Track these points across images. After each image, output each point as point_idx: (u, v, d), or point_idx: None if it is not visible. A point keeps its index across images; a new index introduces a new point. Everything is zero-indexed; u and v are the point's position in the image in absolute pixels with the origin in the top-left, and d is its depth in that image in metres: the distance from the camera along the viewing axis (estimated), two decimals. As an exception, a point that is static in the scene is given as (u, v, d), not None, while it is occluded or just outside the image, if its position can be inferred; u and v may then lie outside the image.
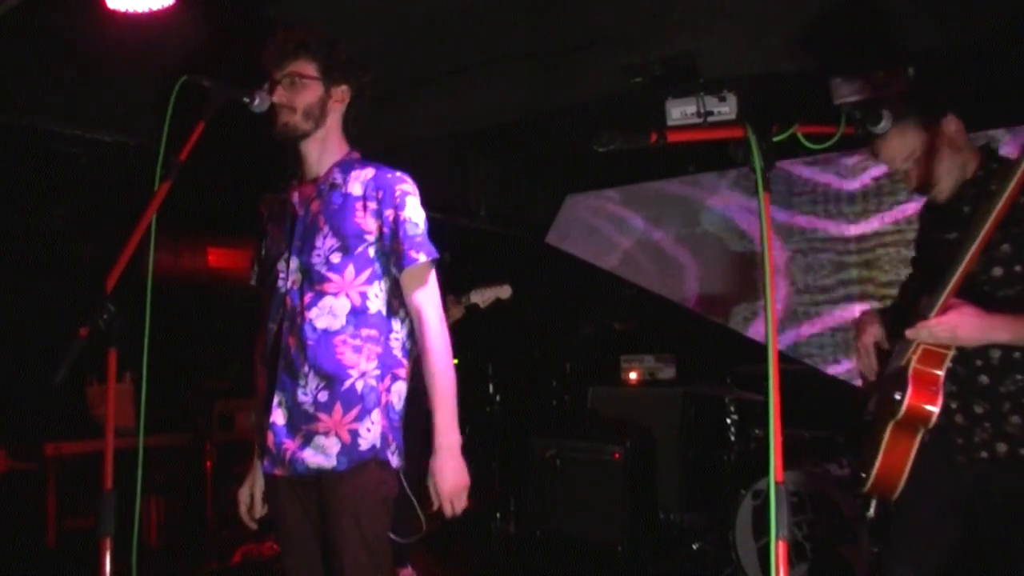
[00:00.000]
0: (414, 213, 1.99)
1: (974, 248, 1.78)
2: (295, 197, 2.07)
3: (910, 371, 1.90)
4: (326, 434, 1.92)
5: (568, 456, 4.85)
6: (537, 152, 5.63)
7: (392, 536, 1.99)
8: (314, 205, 2.03)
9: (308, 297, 1.96)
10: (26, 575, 3.97)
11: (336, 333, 1.94)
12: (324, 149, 2.07)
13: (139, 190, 1.89)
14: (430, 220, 2.06)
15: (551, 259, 6.49)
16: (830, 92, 3.53)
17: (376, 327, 1.99)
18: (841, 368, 5.11)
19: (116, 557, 1.58)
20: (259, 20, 3.12)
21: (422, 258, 1.97)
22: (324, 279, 1.96)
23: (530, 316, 6.04)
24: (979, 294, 1.90)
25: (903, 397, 1.88)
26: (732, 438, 4.32)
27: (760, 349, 4.93)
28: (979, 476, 1.96)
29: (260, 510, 2.11)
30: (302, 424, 1.93)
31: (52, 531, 4.09)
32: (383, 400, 1.98)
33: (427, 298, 2.00)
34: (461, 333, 4.56)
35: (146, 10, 2.82)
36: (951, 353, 1.90)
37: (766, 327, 1.37)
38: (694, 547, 4.47)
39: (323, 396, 1.92)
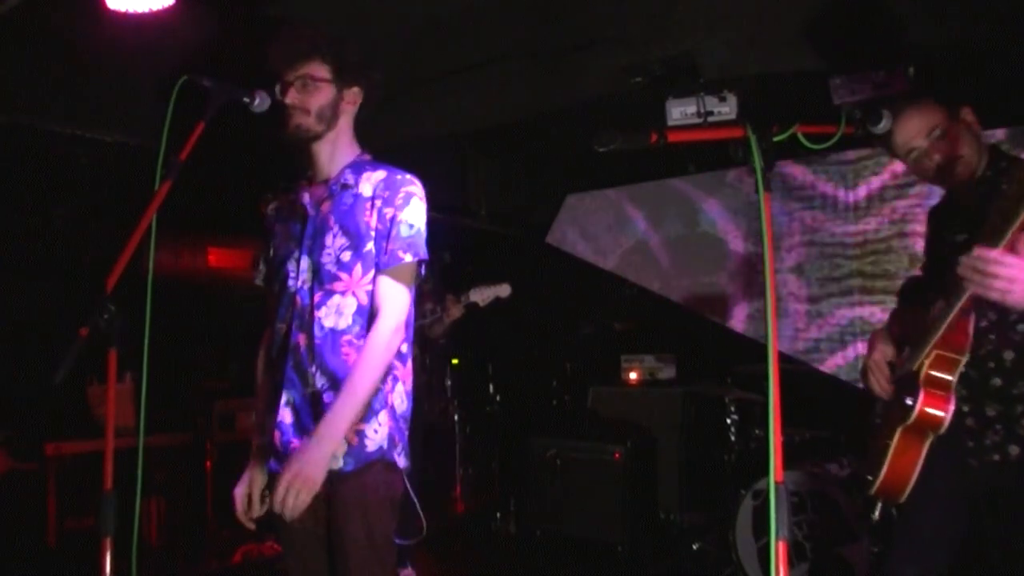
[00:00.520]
0: (412, 215, 1.99)
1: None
2: (306, 198, 2.07)
3: (922, 376, 1.89)
4: None
5: (568, 456, 4.85)
6: (537, 152, 5.63)
7: (395, 538, 1.99)
8: (325, 205, 2.03)
9: (318, 296, 1.97)
10: (26, 575, 3.96)
11: (343, 332, 1.95)
12: (335, 150, 2.08)
13: (139, 190, 1.89)
14: (430, 220, 2.06)
15: (551, 259, 6.49)
16: (830, 92, 3.54)
17: None
18: (835, 362, 5.11)
19: (116, 557, 1.58)
20: (260, 20, 3.12)
21: (407, 258, 1.96)
22: (334, 278, 1.97)
23: (530, 316, 6.05)
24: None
25: (914, 403, 1.87)
26: (732, 438, 4.32)
27: (760, 349, 4.93)
28: (989, 478, 1.95)
29: (258, 510, 2.10)
30: (309, 424, 1.94)
31: (52, 531, 4.09)
32: (388, 401, 1.99)
33: (393, 297, 1.95)
34: (461, 333, 4.58)
35: (146, 10, 2.82)
36: (965, 359, 1.87)
37: (766, 327, 1.37)
38: (694, 547, 4.47)
39: (329, 397, 1.93)
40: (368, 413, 1.94)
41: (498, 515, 5.30)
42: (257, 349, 2.20)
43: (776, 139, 1.55)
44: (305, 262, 2.01)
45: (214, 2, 3.05)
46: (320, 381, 1.94)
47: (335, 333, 1.95)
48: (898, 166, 4.34)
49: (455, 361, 6.01)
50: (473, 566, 4.77)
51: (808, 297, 5.30)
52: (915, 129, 2.00)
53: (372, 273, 1.98)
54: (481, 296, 4.19)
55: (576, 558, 4.67)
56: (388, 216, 1.98)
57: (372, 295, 1.97)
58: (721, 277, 5.73)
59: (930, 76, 3.28)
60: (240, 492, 2.12)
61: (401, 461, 2.00)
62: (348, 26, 3.18)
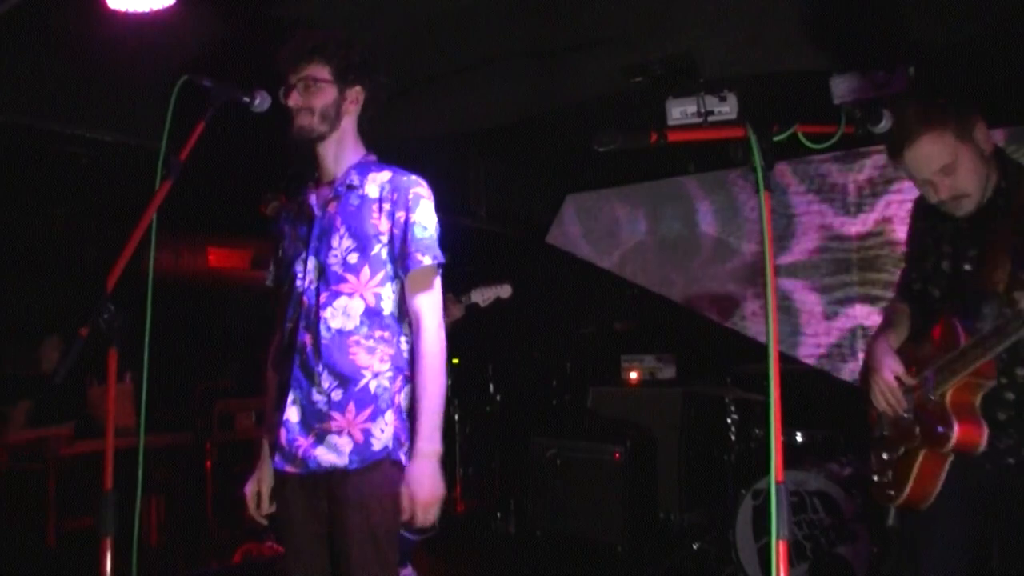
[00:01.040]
0: (424, 217, 2.01)
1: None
2: (312, 199, 2.09)
3: (948, 402, 1.91)
4: (339, 433, 1.95)
5: (568, 456, 4.85)
6: (537, 152, 5.63)
7: (404, 533, 2.00)
8: (331, 206, 2.05)
9: (324, 297, 1.98)
10: (26, 575, 3.97)
11: (350, 333, 1.97)
12: (340, 151, 2.09)
13: (139, 190, 1.89)
14: None
15: (551, 259, 6.49)
16: (830, 92, 3.53)
17: (389, 328, 2.02)
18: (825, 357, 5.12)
19: (116, 557, 1.58)
20: (259, 20, 3.12)
21: (427, 261, 1.98)
22: (340, 279, 1.99)
23: (530, 316, 6.04)
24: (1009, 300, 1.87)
25: (950, 432, 1.88)
26: (732, 438, 4.31)
27: (760, 349, 4.93)
28: (1005, 480, 1.97)
29: (268, 507, 2.11)
30: (315, 423, 1.96)
31: (52, 531, 4.09)
32: (395, 401, 2.01)
33: (428, 302, 2.00)
34: (461, 333, 4.57)
35: (146, 10, 2.82)
36: (992, 384, 1.88)
37: (766, 327, 1.37)
38: (694, 547, 4.47)
39: (337, 395, 1.95)
40: (375, 412, 1.96)
41: (498, 515, 5.30)
42: (266, 349, 2.21)
43: (776, 139, 1.54)
44: (312, 263, 2.02)
45: (214, 2, 3.05)
46: (327, 381, 1.96)
47: (342, 334, 1.96)
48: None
49: (455, 361, 6.01)
50: (473, 566, 4.77)
51: (809, 297, 5.30)
52: (924, 161, 1.93)
53: (381, 275, 2.00)
54: (482, 296, 4.18)
55: (576, 558, 4.67)
56: (401, 220, 1.99)
57: (379, 297, 2.00)
58: (721, 277, 5.73)
59: (930, 76, 3.28)
60: (250, 490, 2.13)
61: (406, 461, 2.00)
62: (348, 27, 3.18)
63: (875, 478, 2.20)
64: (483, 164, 5.63)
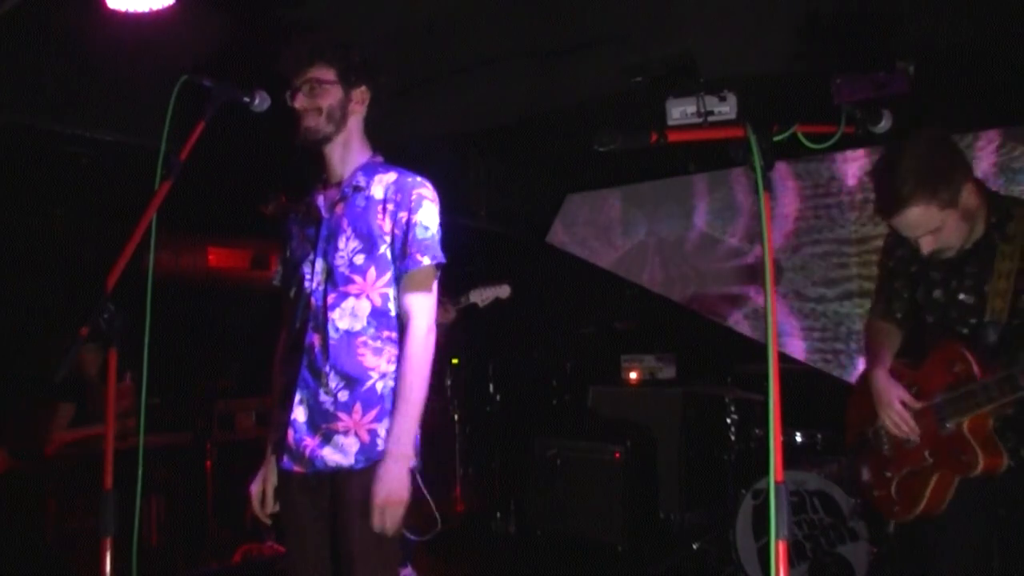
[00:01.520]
0: (427, 217, 2.01)
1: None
2: (320, 200, 2.10)
3: (967, 433, 1.97)
4: (345, 433, 1.95)
5: (568, 456, 4.85)
6: (537, 152, 5.63)
7: (406, 533, 2.00)
8: (338, 208, 2.06)
9: (331, 298, 1.99)
10: (26, 575, 3.96)
11: (357, 334, 1.98)
12: (347, 152, 2.10)
13: (139, 190, 1.89)
14: None
15: (551, 259, 6.49)
16: (830, 92, 3.53)
17: (396, 329, 2.03)
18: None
19: (116, 557, 1.58)
20: (260, 20, 3.12)
21: (426, 261, 1.99)
22: (347, 280, 2.00)
23: (530, 316, 6.04)
24: (1001, 337, 1.97)
25: (976, 462, 1.95)
26: (732, 438, 4.31)
27: (760, 349, 4.93)
28: (1007, 481, 2.01)
29: (272, 506, 2.12)
30: (322, 423, 1.97)
31: (52, 531, 4.09)
32: None
33: (420, 303, 2.00)
34: (461, 333, 4.58)
35: (146, 10, 2.82)
36: (1005, 412, 1.95)
37: (766, 327, 1.37)
38: (694, 547, 4.46)
39: (343, 396, 1.96)
40: (381, 413, 1.97)
41: (498, 515, 5.30)
42: (273, 348, 2.22)
43: (776, 139, 1.55)
44: (320, 264, 2.03)
45: (214, 2, 3.05)
46: (335, 382, 1.96)
47: (350, 335, 1.97)
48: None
49: (455, 361, 6.01)
50: (473, 566, 4.77)
51: (809, 296, 5.30)
52: (912, 228, 2.00)
53: (387, 276, 2.01)
54: (481, 297, 4.18)
55: (576, 558, 4.67)
56: (403, 220, 2.00)
57: (386, 298, 2.00)
58: (721, 277, 5.73)
59: (930, 76, 3.28)
60: (255, 489, 2.14)
61: (412, 462, 2.00)
62: (348, 27, 3.19)
63: (875, 493, 2.27)
64: (483, 164, 5.63)
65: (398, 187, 2.03)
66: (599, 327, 6.14)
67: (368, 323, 1.98)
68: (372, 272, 2.00)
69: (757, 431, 4.28)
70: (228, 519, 4.61)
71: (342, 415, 1.96)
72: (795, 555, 3.54)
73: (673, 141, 1.63)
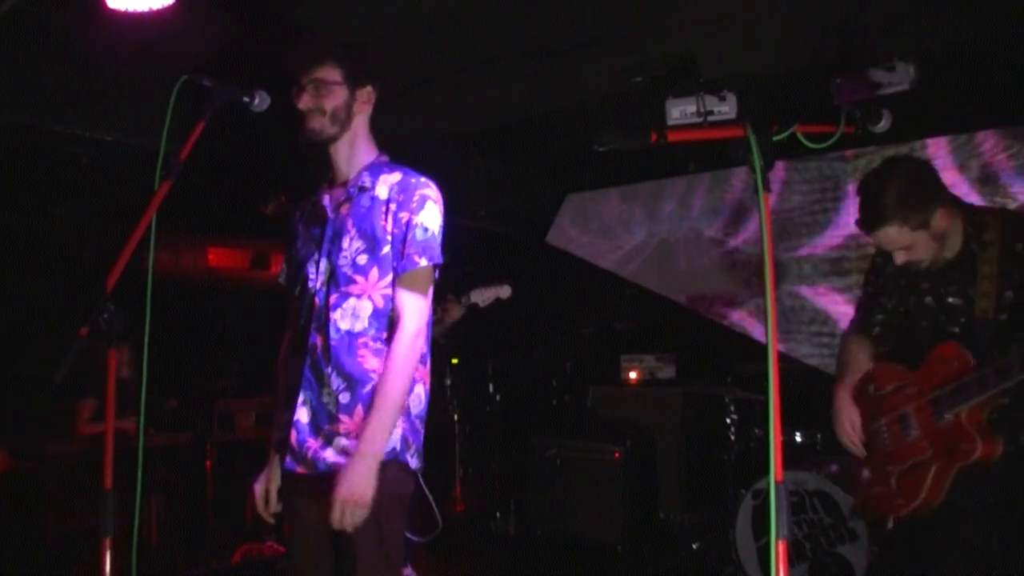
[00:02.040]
0: (428, 219, 2.00)
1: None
2: (325, 200, 2.09)
3: (964, 422, 2.07)
4: (347, 435, 1.95)
5: (568, 456, 4.85)
6: (537, 152, 5.63)
7: (408, 535, 2.00)
8: (343, 208, 2.05)
9: (334, 298, 1.99)
10: (26, 575, 3.96)
11: (359, 335, 1.97)
12: (352, 152, 2.09)
13: (139, 190, 1.89)
14: None
15: (551, 259, 6.48)
16: (830, 92, 3.53)
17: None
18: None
19: (116, 557, 1.58)
20: (260, 20, 3.12)
21: (423, 262, 1.98)
22: (350, 281, 1.99)
23: (530, 316, 6.04)
24: (991, 333, 2.10)
25: (975, 447, 2.04)
26: (732, 438, 4.31)
27: (760, 349, 4.92)
28: (1006, 478, 2.06)
29: (275, 505, 2.12)
30: (324, 424, 1.97)
31: (52, 531, 4.09)
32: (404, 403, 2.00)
33: (413, 305, 1.98)
34: (461, 333, 4.57)
35: (146, 10, 2.82)
36: (999, 401, 2.05)
37: (766, 327, 1.37)
38: (694, 547, 4.46)
39: (345, 398, 1.96)
40: None
41: (498, 515, 5.30)
42: (277, 348, 2.22)
43: (776, 139, 1.55)
44: (323, 264, 2.03)
45: (214, 2, 3.05)
46: (336, 382, 1.96)
47: (351, 335, 1.97)
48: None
49: (455, 361, 6.01)
50: (473, 566, 4.77)
51: (808, 296, 5.30)
52: (887, 243, 2.19)
53: (389, 277, 2.00)
54: (481, 297, 4.17)
55: (576, 558, 4.67)
56: (403, 220, 1.99)
57: (388, 299, 1.99)
58: (721, 277, 5.73)
59: (930, 76, 3.28)
60: (259, 489, 2.13)
61: (413, 462, 2.02)
62: (348, 27, 3.19)
63: (876, 489, 2.34)
64: (483, 164, 5.63)
65: (401, 187, 2.02)
66: (599, 327, 6.14)
67: (369, 324, 1.98)
68: (375, 273, 1.99)
69: (757, 431, 4.28)
70: (228, 519, 4.61)
71: (343, 417, 1.95)
72: (795, 555, 3.54)
73: (673, 141, 1.62)
